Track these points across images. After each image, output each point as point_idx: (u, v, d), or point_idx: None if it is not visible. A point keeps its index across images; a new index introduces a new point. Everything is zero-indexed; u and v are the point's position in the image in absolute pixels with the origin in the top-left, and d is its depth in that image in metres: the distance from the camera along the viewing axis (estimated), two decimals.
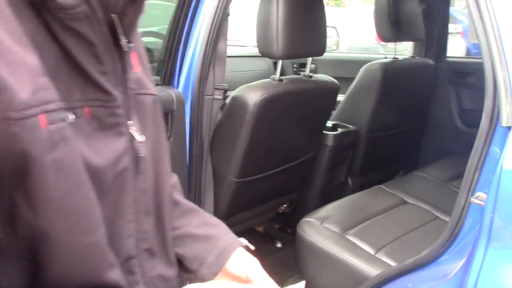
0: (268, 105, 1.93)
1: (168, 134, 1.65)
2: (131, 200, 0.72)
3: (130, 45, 0.67)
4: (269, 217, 2.56)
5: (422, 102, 2.96)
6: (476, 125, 3.02)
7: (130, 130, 0.70)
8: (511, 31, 1.13)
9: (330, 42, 3.09)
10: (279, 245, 2.63)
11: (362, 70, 2.62)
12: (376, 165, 2.83)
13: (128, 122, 0.70)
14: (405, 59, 2.78)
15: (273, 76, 2.04)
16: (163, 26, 1.99)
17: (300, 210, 2.60)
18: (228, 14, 1.88)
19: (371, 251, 1.74)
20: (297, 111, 2.12)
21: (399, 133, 2.83)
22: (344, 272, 1.70)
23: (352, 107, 2.63)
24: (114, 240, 0.69)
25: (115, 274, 0.68)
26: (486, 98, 1.21)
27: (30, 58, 0.54)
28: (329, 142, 2.45)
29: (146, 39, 2.38)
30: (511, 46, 1.12)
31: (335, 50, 4.09)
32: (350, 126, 2.58)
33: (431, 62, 2.88)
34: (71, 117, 0.59)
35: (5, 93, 0.52)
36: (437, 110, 3.02)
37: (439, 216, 2.04)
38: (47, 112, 0.55)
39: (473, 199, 1.19)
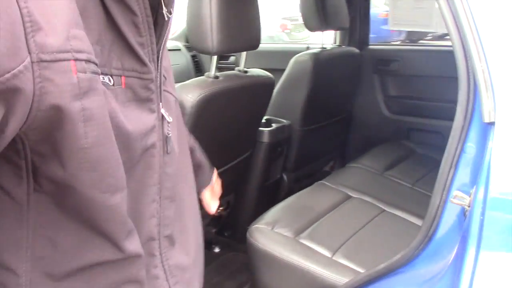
0: (206, 105, 1.77)
1: None
2: (156, 180, 0.73)
3: (170, 16, 0.69)
4: (205, 222, 2.40)
5: (349, 92, 2.94)
6: (401, 112, 3.08)
7: (161, 110, 0.72)
8: (488, 18, 1.06)
9: None
10: (217, 250, 2.49)
11: (292, 61, 2.54)
12: (309, 158, 2.77)
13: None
14: (332, 48, 2.73)
15: (207, 73, 1.89)
16: None
17: (237, 211, 2.48)
18: None
19: (327, 254, 1.65)
20: (235, 108, 1.98)
21: (330, 124, 2.79)
22: (303, 279, 1.60)
23: (284, 100, 2.54)
24: (136, 218, 0.71)
25: (134, 243, 0.69)
26: (460, 92, 1.14)
27: (69, 10, 0.54)
28: (265, 138, 2.34)
29: None
30: (488, 36, 1.06)
31: None
32: (284, 121, 2.48)
33: (356, 50, 2.86)
34: (110, 82, 0.61)
35: (39, 35, 0.50)
36: (363, 99, 3.02)
37: (385, 209, 2.00)
38: (77, 60, 0.54)
39: (453, 200, 1.13)
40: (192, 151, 1.08)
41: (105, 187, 0.62)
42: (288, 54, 2.73)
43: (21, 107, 0.51)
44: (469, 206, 1.09)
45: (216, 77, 1.87)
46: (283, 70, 2.60)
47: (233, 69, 2.11)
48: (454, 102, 2.92)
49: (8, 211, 0.60)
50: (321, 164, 2.99)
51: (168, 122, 0.75)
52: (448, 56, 2.86)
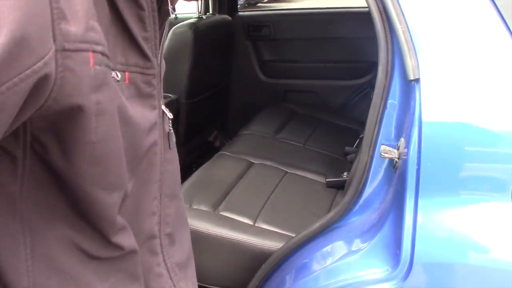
0: None
1: None
2: (157, 177, 0.73)
3: (174, 12, 0.69)
4: None
5: (227, 60, 2.95)
6: (276, 75, 3.18)
7: (162, 106, 0.73)
8: None
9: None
10: None
11: (171, 33, 2.46)
12: (196, 131, 2.75)
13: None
14: (207, 17, 2.71)
15: None
16: None
17: None
18: None
19: (250, 222, 1.68)
20: None
21: (212, 94, 2.79)
22: (232, 250, 1.61)
23: (167, 74, 2.43)
24: (137, 215, 0.70)
25: (126, 239, 0.67)
26: (380, 53, 1.21)
27: (87, 2, 0.52)
28: None
29: None
30: None
31: None
32: (170, 95, 2.42)
33: (228, 17, 2.86)
34: (117, 77, 0.58)
35: (64, 23, 0.48)
36: (239, 66, 3.05)
37: (287, 170, 2.08)
38: (94, 51, 0.52)
39: (383, 155, 1.21)
40: None
41: (105, 184, 0.61)
42: None
43: (43, 97, 0.49)
44: (399, 158, 1.18)
45: None
46: None
47: None
48: (325, 61, 3.08)
49: None
50: (206, 135, 2.98)
51: (169, 119, 0.75)
52: (315, 18, 3.03)
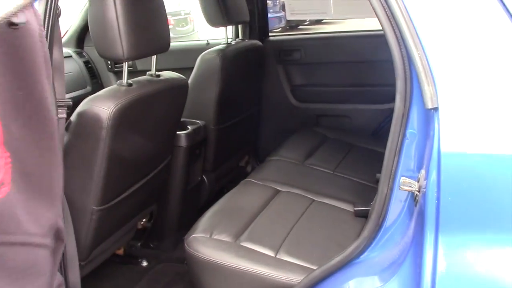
0: (123, 115, 1.66)
1: None
2: None
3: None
4: (130, 236, 2.28)
5: (257, 85, 2.94)
6: (309, 100, 3.15)
7: None
8: (421, 5, 1.08)
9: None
10: (144, 263, 2.36)
11: (199, 60, 2.47)
12: (226, 156, 2.74)
13: None
14: (237, 43, 2.70)
15: (120, 81, 1.77)
16: None
17: (162, 221, 2.38)
18: (59, 14, 1.54)
19: (271, 253, 1.63)
20: (152, 115, 1.88)
21: (242, 120, 2.77)
22: (252, 284, 1.56)
23: (195, 100, 2.46)
24: None
25: None
26: (398, 80, 1.16)
27: None
28: (183, 142, 2.26)
29: None
30: (422, 21, 1.08)
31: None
32: (198, 121, 2.42)
33: (259, 43, 2.86)
34: None
35: None
36: (270, 90, 3.03)
37: (314, 198, 2.02)
38: None
39: (402, 187, 1.14)
40: None
41: None
42: (190, 52, 2.67)
43: None
44: (419, 191, 1.12)
45: (130, 85, 1.76)
46: (187, 69, 2.52)
47: (133, 73, 2.00)
48: (357, 85, 3.04)
49: None
50: (237, 160, 2.96)
51: None
52: (347, 41, 2.99)
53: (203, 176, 2.56)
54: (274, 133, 3.07)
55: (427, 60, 1.06)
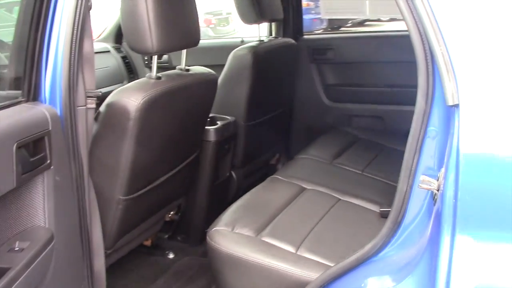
0: (151, 107, 1.69)
1: (48, 161, 1.33)
2: None
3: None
4: (157, 228, 2.32)
5: (289, 83, 2.93)
6: (341, 100, 3.12)
7: None
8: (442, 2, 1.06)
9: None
10: (171, 256, 2.39)
11: (231, 56, 2.48)
12: (255, 153, 2.74)
13: None
14: (269, 40, 2.70)
15: (149, 74, 1.80)
16: None
17: (189, 214, 2.41)
18: (90, 7, 1.58)
19: (291, 249, 1.62)
20: (180, 109, 1.90)
21: (273, 117, 2.77)
22: (270, 278, 1.56)
23: (226, 96, 2.48)
24: None
25: None
26: (419, 76, 1.14)
27: None
28: (212, 137, 2.28)
29: None
30: (445, 18, 1.05)
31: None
32: (228, 117, 2.43)
33: (292, 41, 2.85)
34: None
35: None
36: (303, 89, 3.02)
37: (340, 197, 2.00)
38: None
39: (421, 186, 1.12)
40: None
41: None
42: (224, 49, 2.68)
43: None
44: (438, 190, 1.09)
45: (159, 78, 1.79)
46: (221, 66, 2.54)
47: (168, 68, 2.03)
48: (391, 86, 2.99)
49: None
50: (267, 158, 2.96)
51: None
52: (380, 41, 2.94)
53: (232, 172, 2.57)
54: (305, 132, 3.06)
55: (449, 56, 1.04)
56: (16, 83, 1.43)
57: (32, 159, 1.26)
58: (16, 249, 1.21)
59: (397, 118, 2.82)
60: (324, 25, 10.01)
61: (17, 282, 1.15)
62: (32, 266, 1.21)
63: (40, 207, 1.32)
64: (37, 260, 1.23)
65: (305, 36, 3.03)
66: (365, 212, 1.91)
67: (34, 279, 1.26)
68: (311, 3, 8.86)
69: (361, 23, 11.36)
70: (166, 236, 2.44)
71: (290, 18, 2.95)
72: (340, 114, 2.99)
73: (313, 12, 9.08)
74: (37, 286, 1.29)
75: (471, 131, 1.00)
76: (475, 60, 1.03)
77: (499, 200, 0.99)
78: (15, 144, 1.20)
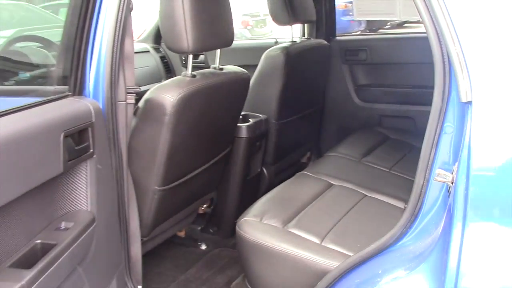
0: (186, 103, 1.80)
1: (91, 150, 1.45)
2: None
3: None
4: (190, 220, 2.43)
5: (321, 83, 3.00)
6: (372, 100, 3.16)
7: None
8: (459, 3, 1.12)
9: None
10: (203, 247, 2.51)
11: (263, 57, 2.57)
12: (286, 151, 2.82)
13: None
14: (302, 41, 2.78)
15: (185, 72, 1.91)
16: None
17: (221, 207, 2.51)
18: (131, 8, 1.70)
19: (316, 240, 1.70)
20: (214, 105, 2.01)
21: (304, 116, 2.85)
22: (295, 266, 1.64)
23: (258, 95, 2.57)
24: None
25: None
26: (436, 75, 1.20)
27: None
28: (244, 134, 2.37)
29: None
30: (461, 19, 1.11)
31: None
32: (260, 115, 2.52)
33: (324, 42, 2.92)
34: None
35: None
36: (335, 89, 3.09)
37: (366, 194, 2.06)
38: None
39: (436, 178, 1.19)
40: None
41: None
42: (258, 50, 2.77)
43: None
44: (452, 183, 1.15)
45: (194, 76, 1.89)
46: (254, 66, 2.64)
47: (205, 68, 2.14)
48: (422, 87, 3.02)
49: None
50: (298, 155, 3.04)
51: None
52: (413, 42, 2.98)
53: (263, 168, 2.66)
54: (336, 131, 3.12)
55: (463, 55, 1.10)
56: (63, 79, 1.56)
57: (77, 148, 1.38)
58: (61, 228, 1.34)
59: (427, 119, 2.84)
60: (363, 26, 9.98)
61: (62, 258, 1.27)
62: (75, 245, 1.33)
63: (83, 192, 1.44)
64: (80, 240, 1.35)
65: (338, 38, 3.09)
66: (390, 208, 1.97)
67: (76, 257, 1.38)
68: (349, 4, 8.87)
69: (400, 25, 11.25)
70: (199, 228, 2.55)
71: (323, 20, 3.02)
72: (371, 114, 3.03)
73: (351, 13, 9.09)
74: (79, 263, 1.41)
75: (482, 127, 1.06)
76: (487, 60, 1.08)
77: (507, 193, 1.04)
78: (62, 133, 1.32)
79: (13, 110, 1.24)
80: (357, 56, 3.03)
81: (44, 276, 1.19)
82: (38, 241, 1.29)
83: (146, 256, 2.02)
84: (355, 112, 3.07)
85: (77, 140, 1.40)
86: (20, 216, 1.25)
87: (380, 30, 10.98)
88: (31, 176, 1.22)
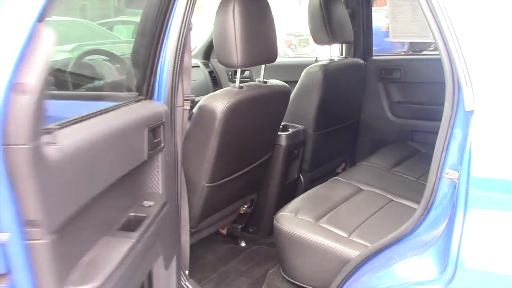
0: (233, 111, 2.06)
1: (162, 144, 1.74)
2: None
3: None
4: (232, 218, 2.68)
5: (356, 99, 3.23)
6: (404, 115, 3.34)
7: None
8: (464, 29, 1.34)
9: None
10: (243, 244, 2.75)
11: (304, 73, 2.82)
12: (323, 160, 3.05)
13: None
14: (339, 60, 3.03)
15: (233, 84, 2.17)
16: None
17: (260, 208, 2.75)
18: (191, 28, 1.98)
19: (344, 234, 1.92)
20: (257, 114, 2.27)
21: (340, 129, 3.07)
22: (324, 256, 1.87)
23: (298, 108, 2.82)
24: None
25: None
26: (447, 89, 1.42)
27: None
28: (283, 142, 2.62)
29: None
30: (465, 44, 1.34)
31: None
32: (299, 126, 2.77)
33: (361, 61, 3.15)
34: None
35: None
36: (370, 105, 3.30)
37: (393, 198, 2.27)
38: None
39: (445, 176, 1.40)
40: None
41: None
42: (299, 67, 3.02)
43: None
44: (457, 180, 1.36)
45: (241, 87, 2.16)
46: (295, 82, 2.89)
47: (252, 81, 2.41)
48: None
49: None
50: (333, 166, 3.26)
51: None
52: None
53: (300, 175, 2.90)
54: (371, 144, 3.33)
55: (468, 72, 1.32)
56: (135, 86, 1.85)
57: (154, 141, 1.68)
58: (146, 205, 1.66)
59: None
60: (406, 48, 10.10)
61: (151, 227, 1.59)
62: (157, 219, 1.64)
63: (157, 178, 1.74)
64: (159, 216, 1.66)
65: (374, 57, 3.32)
66: (414, 212, 2.16)
67: (156, 230, 1.66)
68: None
69: None
70: (240, 226, 2.80)
71: (360, 41, 3.26)
72: (403, 129, 3.23)
73: None
74: (156, 235, 1.69)
75: (481, 132, 1.27)
76: (487, 76, 1.30)
77: (500, 187, 1.25)
78: (147, 128, 1.62)
79: (109, 109, 1.53)
80: (391, 75, 3.24)
81: (143, 238, 1.51)
82: (132, 213, 1.62)
83: (191, 248, 2.27)
84: (388, 127, 3.28)
85: (152, 136, 1.69)
86: (118, 194, 1.55)
87: (424, 52, 11.08)
88: (129, 161, 1.53)
